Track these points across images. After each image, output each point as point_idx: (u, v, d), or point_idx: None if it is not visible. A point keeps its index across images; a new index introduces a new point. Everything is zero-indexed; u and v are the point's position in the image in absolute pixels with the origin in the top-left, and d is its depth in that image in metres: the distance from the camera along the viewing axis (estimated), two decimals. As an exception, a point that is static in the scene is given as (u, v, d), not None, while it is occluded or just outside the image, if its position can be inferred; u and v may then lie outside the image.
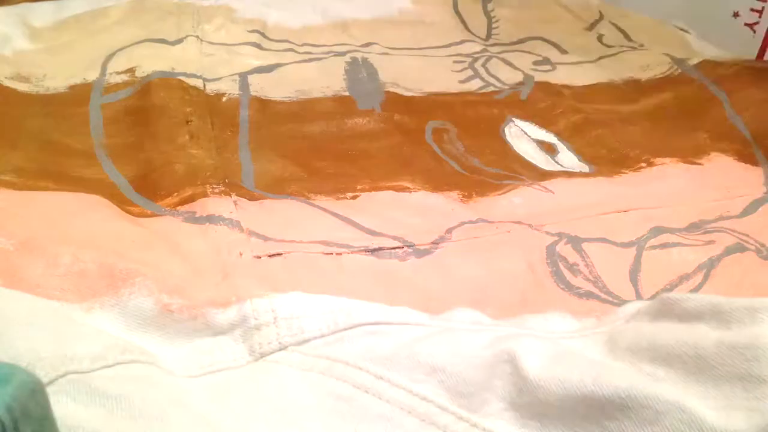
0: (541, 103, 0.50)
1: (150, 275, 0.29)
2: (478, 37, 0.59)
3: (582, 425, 0.24)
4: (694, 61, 0.55)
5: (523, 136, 0.47)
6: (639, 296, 0.34)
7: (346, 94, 0.50)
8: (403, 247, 0.35)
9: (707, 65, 0.54)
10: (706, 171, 0.43)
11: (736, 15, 0.58)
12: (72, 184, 0.37)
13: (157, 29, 0.53)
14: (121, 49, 0.51)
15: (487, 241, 0.37)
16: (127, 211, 0.35)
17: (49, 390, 0.22)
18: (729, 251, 0.36)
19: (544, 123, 0.48)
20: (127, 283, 0.28)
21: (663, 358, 0.25)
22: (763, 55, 0.59)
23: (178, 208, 0.36)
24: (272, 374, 0.27)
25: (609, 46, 0.59)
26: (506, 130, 0.47)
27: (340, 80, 0.51)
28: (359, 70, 0.52)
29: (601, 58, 0.57)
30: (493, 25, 0.60)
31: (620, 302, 0.33)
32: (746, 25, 0.57)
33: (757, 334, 0.23)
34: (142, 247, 0.31)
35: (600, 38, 0.60)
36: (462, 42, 0.58)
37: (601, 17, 0.62)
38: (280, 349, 0.28)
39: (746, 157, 0.45)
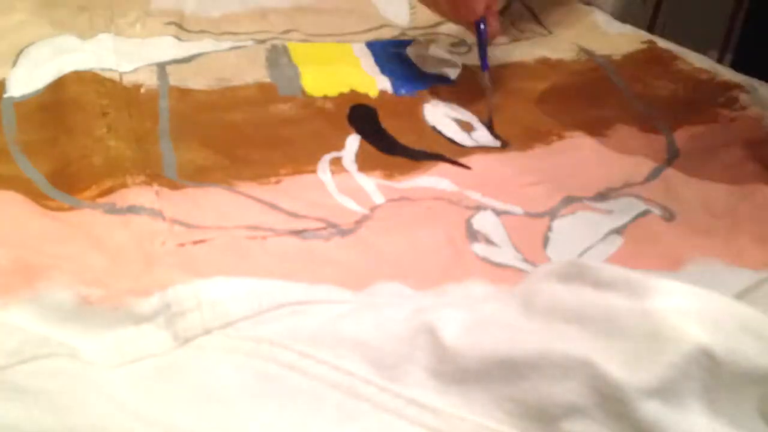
0: (460, 84, 0.52)
1: (67, 268, 0.28)
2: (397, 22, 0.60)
3: (498, 387, 0.25)
4: (600, 52, 0.57)
5: (441, 116, 0.48)
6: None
7: (268, 80, 0.50)
8: (326, 228, 0.36)
9: (609, 58, 0.57)
10: (612, 141, 0.46)
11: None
12: (-16, 182, 0.36)
13: (70, 26, 0.52)
14: (31, 45, 0.49)
15: (409, 217, 0.38)
16: (45, 206, 0.34)
17: (-35, 387, 0.22)
18: (635, 216, 0.38)
19: (462, 102, 0.49)
20: (42, 278, 0.28)
21: (576, 318, 0.26)
22: (654, 23, 0.62)
23: (97, 200, 0.35)
24: (197, 358, 0.27)
25: (521, 31, 0.61)
26: (426, 110, 0.48)
27: (261, 67, 0.51)
28: (280, 56, 0.53)
29: (514, 40, 0.59)
30: (411, 10, 0.60)
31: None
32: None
33: (665, 304, 0.25)
34: (59, 241, 0.31)
35: (512, 23, 0.61)
36: (381, 27, 0.59)
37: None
38: (205, 334, 0.28)
39: (648, 127, 0.47)
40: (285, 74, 0.50)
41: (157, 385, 0.25)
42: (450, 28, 0.58)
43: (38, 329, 0.26)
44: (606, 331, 0.25)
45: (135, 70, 0.48)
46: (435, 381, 0.26)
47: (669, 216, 0.39)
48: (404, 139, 0.45)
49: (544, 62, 0.56)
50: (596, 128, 0.47)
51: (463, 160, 0.43)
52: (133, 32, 0.53)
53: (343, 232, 0.36)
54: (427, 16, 0.58)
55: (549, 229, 0.37)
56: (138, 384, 0.25)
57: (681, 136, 0.46)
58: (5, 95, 0.44)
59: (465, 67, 0.53)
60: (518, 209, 0.39)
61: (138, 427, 0.23)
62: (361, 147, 0.44)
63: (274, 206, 0.37)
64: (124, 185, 0.36)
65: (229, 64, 0.51)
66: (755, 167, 0.43)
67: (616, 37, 0.59)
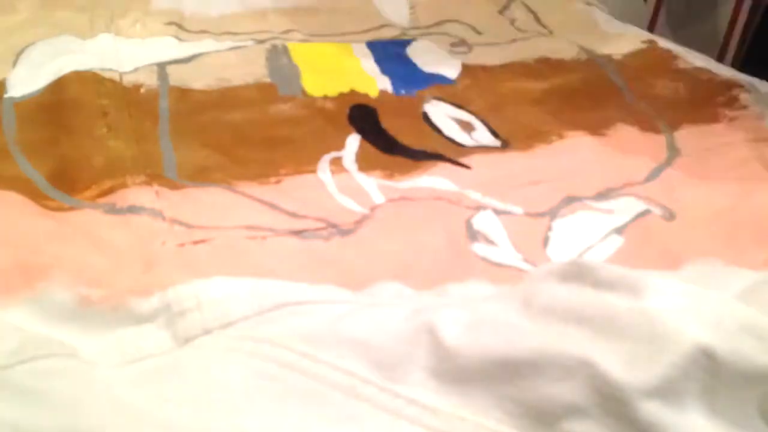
0: (460, 83, 0.52)
1: (67, 268, 0.28)
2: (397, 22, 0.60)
3: (498, 386, 0.25)
4: (600, 52, 0.57)
5: (441, 116, 0.48)
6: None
7: (268, 80, 0.50)
8: (326, 228, 0.36)
9: (610, 57, 0.57)
10: (612, 141, 0.46)
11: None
12: (-16, 182, 0.36)
13: (70, 26, 0.52)
14: (31, 45, 0.49)
15: (409, 217, 0.38)
16: (45, 206, 0.35)
17: (-35, 387, 0.22)
18: (636, 215, 0.38)
19: (462, 102, 0.49)
20: (42, 278, 0.28)
21: (576, 318, 0.26)
22: (655, 23, 0.62)
23: (97, 200, 0.36)
24: (197, 358, 0.27)
25: (522, 31, 0.61)
26: (426, 110, 0.48)
27: (261, 67, 0.51)
28: (280, 56, 0.53)
29: (514, 40, 0.59)
30: (411, 10, 0.61)
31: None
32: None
33: (665, 304, 0.25)
34: (59, 241, 0.31)
35: (512, 23, 0.62)
36: (380, 27, 0.59)
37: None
38: (205, 334, 0.28)
39: (648, 126, 0.48)
40: (285, 74, 0.50)
41: (158, 385, 0.25)
42: (449, 27, 0.58)
43: (38, 329, 0.26)
44: (606, 331, 0.25)
45: (135, 70, 0.48)
46: (435, 381, 0.26)
47: (669, 216, 0.39)
48: (404, 139, 0.45)
49: (544, 62, 0.56)
50: (596, 128, 0.47)
51: (463, 160, 0.43)
52: (133, 32, 0.53)
53: (343, 232, 0.36)
54: (427, 16, 0.58)
55: (549, 229, 0.37)
56: (138, 384, 0.25)
57: (681, 135, 0.46)
58: (5, 95, 0.44)
59: (465, 67, 0.53)
60: (518, 209, 0.39)
61: (138, 427, 0.23)
62: (361, 147, 0.44)
63: (274, 206, 0.37)
64: (124, 185, 0.36)
65: (229, 64, 0.51)
66: (755, 167, 0.43)
67: (616, 37, 0.59)
